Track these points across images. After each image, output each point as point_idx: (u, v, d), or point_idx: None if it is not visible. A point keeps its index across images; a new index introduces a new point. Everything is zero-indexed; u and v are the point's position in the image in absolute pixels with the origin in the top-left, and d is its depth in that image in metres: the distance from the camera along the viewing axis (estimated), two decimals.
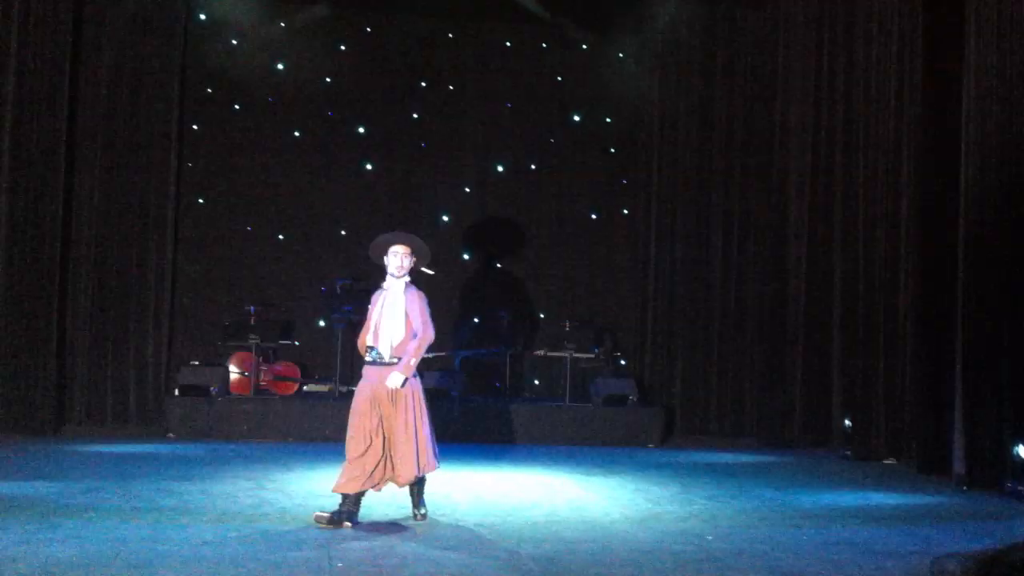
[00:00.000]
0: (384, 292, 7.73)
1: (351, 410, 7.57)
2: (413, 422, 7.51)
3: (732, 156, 14.69)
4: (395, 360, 7.51)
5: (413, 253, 7.74)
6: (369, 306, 7.80)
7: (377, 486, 7.57)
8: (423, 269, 7.97)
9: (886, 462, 11.74)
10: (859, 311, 12.51)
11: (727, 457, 12.20)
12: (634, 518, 7.98)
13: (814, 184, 13.47)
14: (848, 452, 12.25)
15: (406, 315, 7.58)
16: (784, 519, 8.15)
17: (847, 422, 12.48)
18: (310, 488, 8.91)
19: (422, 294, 7.76)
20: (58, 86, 12.66)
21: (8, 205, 12.39)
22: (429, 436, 7.64)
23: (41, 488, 8.55)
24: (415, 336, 7.56)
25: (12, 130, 12.38)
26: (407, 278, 7.71)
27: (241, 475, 9.55)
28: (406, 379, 7.50)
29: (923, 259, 11.28)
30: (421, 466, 7.55)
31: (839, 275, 13.02)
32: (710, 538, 7.28)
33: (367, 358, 7.65)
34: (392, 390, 7.44)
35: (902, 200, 11.98)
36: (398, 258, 7.67)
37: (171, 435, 12.51)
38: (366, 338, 7.68)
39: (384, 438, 7.47)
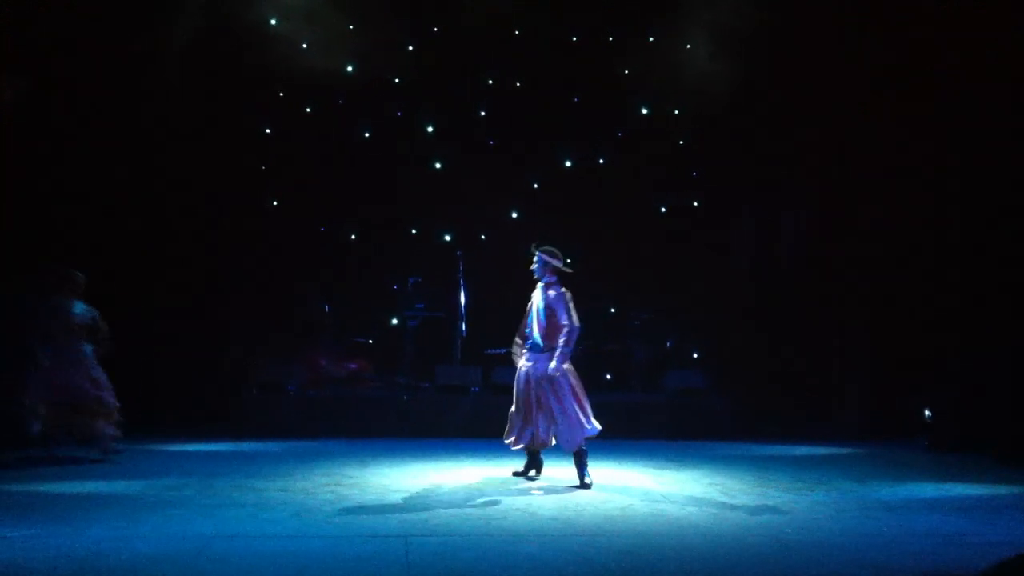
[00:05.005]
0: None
1: (515, 387, 9.17)
2: (564, 401, 8.89)
3: (806, 146, 14.47)
4: (547, 347, 8.95)
5: (545, 258, 9.10)
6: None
7: (532, 446, 9.17)
8: (562, 268, 9.13)
9: (966, 453, 11.51)
10: (938, 301, 12.27)
11: (803, 450, 12.05)
12: (709, 511, 7.93)
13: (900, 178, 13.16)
14: (927, 443, 12.03)
15: (548, 311, 8.99)
16: (863, 511, 8.04)
17: (927, 413, 12.26)
18: (387, 483, 9.01)
19: (561, 292, 9.06)
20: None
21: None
22: (578, 413, 8.95)
23: (126, 486, 8.76)
24: (564, 328, 8.91)
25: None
26: (547, 279, 9.13)
27: (318, 471, 9.68)
28: (559, 365, 8.87)
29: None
30: (575, 438, 8.93)
31: (920, 267, 12.78)
32: (788, 531, 7.21)
33: (526, 345, 9.15)
34: (547, 374, 8.87)
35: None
36: (533, 263, 9.19)
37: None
38: (525, 330, 9.21)
39: (536, 411, 8.97)
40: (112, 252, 12.88)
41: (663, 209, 15.87)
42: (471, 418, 13.04)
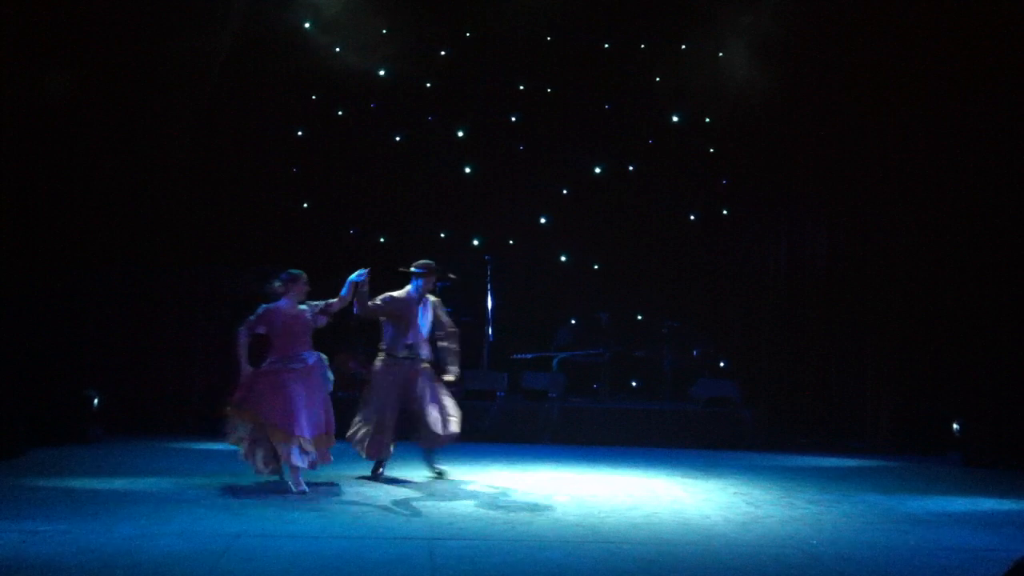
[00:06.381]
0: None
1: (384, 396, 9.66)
2: (442, 397, 9.55)
3: (838, 154, 14.34)
4: (424, 354, 9.60)
5: (422, 283, 9.59)
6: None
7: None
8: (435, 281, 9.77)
9: (1000, 468, 11.39)
10: (970, 313, 12.16)
11: (831, 461, 11.97)
12: (735, 521, 7.90)
13: (925, 186, 13.05)
14: (957, 457, 11.92)
15: (434, 322, 9.66)
16: (891, 524, 7.97)
17: (956, 426, 12.15)
18: (412, 486, 9.07)
19: (438, 302, 9.77)
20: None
21: None
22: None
23: (154, 484, 8.82)
24: (452, 335, 9.75)
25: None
26: (427, 295, 9.66)
27: (344, 472, 9.69)
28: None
29: None
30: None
31: (949, 277, 12.68)
32: (814, 542, 7.16)
33: (406, 353, 9.53)
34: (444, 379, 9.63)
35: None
36: (411, 281, 9.69)
37: None
38: (403, 340, 9.58)
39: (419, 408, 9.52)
40: (129, 253, 12.96)
41: (692, 217, 15.82)
42: (497, 423, 13.04)
